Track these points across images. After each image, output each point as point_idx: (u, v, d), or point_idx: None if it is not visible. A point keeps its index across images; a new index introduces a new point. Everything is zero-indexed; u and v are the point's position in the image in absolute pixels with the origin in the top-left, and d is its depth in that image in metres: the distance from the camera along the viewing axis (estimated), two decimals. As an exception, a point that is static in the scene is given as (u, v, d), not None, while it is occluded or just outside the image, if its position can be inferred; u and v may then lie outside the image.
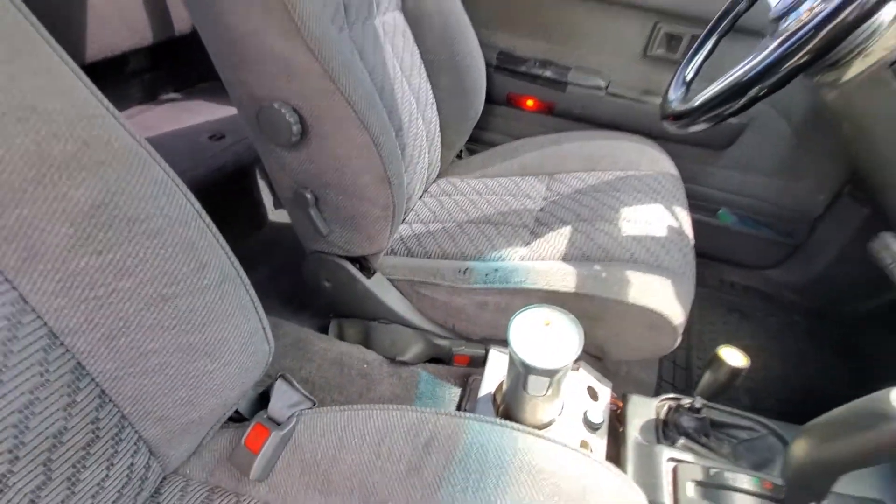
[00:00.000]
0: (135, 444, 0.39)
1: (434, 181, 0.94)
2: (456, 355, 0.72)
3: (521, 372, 0.49)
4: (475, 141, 1.12)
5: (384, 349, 0.74)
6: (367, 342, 0.77)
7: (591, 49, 1.01)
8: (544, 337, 0.48)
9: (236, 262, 0.42)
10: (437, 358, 0.74)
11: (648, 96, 0.99)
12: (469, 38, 0.90)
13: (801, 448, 0.43)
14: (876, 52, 0.52)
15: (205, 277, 0.39)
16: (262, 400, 0.55)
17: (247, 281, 0.43)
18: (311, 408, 0.51)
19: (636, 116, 1.01)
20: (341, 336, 0.80)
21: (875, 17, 0.50)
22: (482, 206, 0.84)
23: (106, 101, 0.34)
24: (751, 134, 0.99)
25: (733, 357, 0.51)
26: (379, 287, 0.73)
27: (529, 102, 1.07)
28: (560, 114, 1.07)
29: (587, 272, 0.65)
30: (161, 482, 0.45)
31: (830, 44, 0.47)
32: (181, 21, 1.06)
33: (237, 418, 0.52)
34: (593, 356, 0.71)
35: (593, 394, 0.61)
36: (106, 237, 0.33)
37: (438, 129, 0.88)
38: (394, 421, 0.47)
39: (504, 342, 0.60)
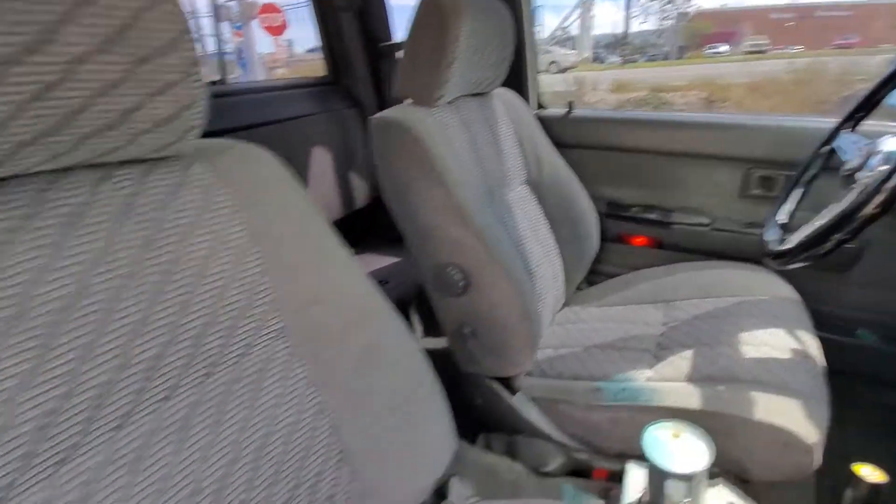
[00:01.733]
0: None
1: (560, 310, 1.10)
2: (595, 469, 0.80)
3: (659, 480, 0.57)
4: (594, 273, 1.28)
5: (529, 460, 0.85)
6: (512, 454, 0.88)
7: (691, 193, 1.17)
8: (676, 447, 0.58)
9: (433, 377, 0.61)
10: (577, 471, 0.82)
11: (752, 228, 1.09)
12: (580, 196, 1.13)
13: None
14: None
15: (420, 388, 0.58)
16: (438, 496, 0.69)
17: (438, 390, 0.61)
18: (480, 502, 0.64)
19: (742, 246, 1.10)
20: (488, 448, 0.93)
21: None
22: (604, 332, 0.97)
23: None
24: (873, 254, 1.02)
25: (870, 474, 0.54)
26: (522, 404, 0.87)
27: (639, 239, 1.23)
28: (669, 247, 1.21)
29: (711, 392, 0.73)
30: None
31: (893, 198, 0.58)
32: (360, 199, 1.46)
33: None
34: (738, 478, 0.74)
35: (735, 510, 0.64)
36: (369, 360, 0.54)
37: (561, 269, 1.07)
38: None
39: (640, 457, 0.69)
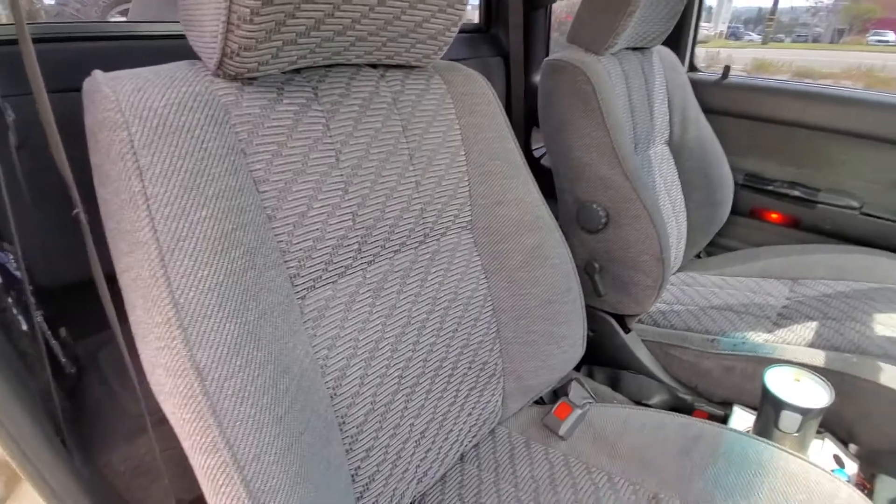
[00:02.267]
0: (501, 389, 0.67)
1: (674, 273, 1.14)
2: (696, 410, 0.87)
3: (775, 410, 0.64)
4: (714, 245, 1.28)
5: (630, 394, 0.93)
6: (614, 386, 0.97)
7: (842, 174, 1.12)
8: (795, 387, 0.63)
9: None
10: (677, 409, 0.89)
11: (906, 219, 1.04)
12: (722, 163, 1.13)
13: None
14: None
15: (569, 292, 0.68)
16: (555, 395, 0.80)
17: (581, 298, 0.71)
18: (596, 403, 0.74)
19: (893, 235, 1.05)
20: (591, 377, 1.02)
21: None
22: (722, 296, 1.00)
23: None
24: None
25: None
26: (633, 342, 0.95)
27: (774, 216, 1.21)
28: (806, 228, 1.18)
29: (836, 356, 0.76)
30: (495, 426, 0.71)
31: None
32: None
33: (539, 402, 0.78)
34: (841, 441, 0.77)
35: (839, 462, 0.69)
36: (535, 258, 0.65)
37: (685, 233, 1.10)
38: (668, 419, 0.67)
39: (748, 405, 0.75)
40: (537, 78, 0.97)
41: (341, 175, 0.50)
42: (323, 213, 0.48)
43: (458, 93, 0.61)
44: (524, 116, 1.23)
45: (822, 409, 0.61)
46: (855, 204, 1.10)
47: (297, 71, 0.49)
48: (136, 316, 0.37)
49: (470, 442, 0.65)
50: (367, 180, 0.52)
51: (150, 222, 0.35)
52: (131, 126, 0.35)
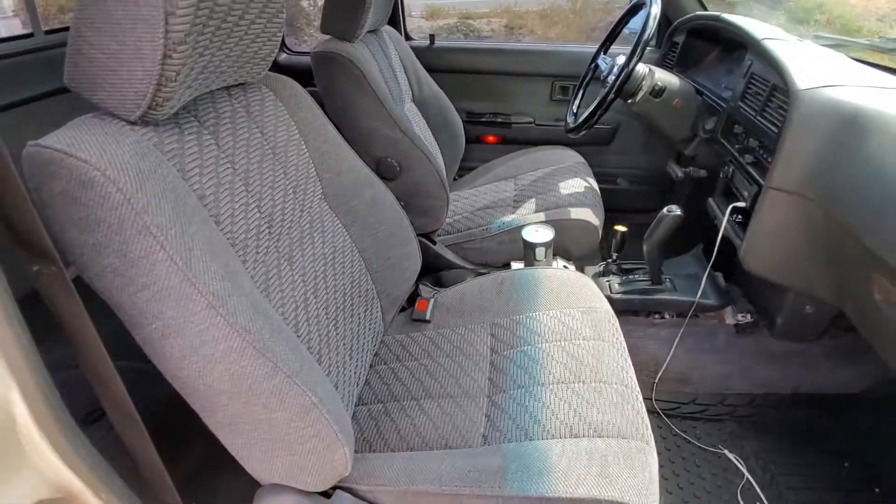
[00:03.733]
0: (379, 306, 0.93)
1: (446, 193, 1.54)
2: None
3: (532, 249, 1.08)
4: (461, 168, 1.75)
5: (450, 283, 1.31)
6: (438, 284, 1.33)
7: (519, 102, 1.69)
8: (536, 235, 1.09)
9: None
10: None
11: (560, 122, 1.67)
12: (450, 107, 1.55)
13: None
14: (643, 89, 1.20)
15: (403, 221, 0.96)
16: (410, 302, 1.11)
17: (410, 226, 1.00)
18: (438, 292, 1.08)
19: (555, 135, 1.68)
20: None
21: (638, 76, 1.18)
22: (480, 200, 1.45)
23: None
24: (621, 133, 1.69)
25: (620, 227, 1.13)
26: (441, 249, 1.31)
27: (490, 138, 1.73)
28: (510, 142, 1.73)
29: (550, 212, 1.27)
30: (384, 337, 0.97)
31: (623, 88, 1.14)
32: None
33: (402, 310, 1.07)
34: (565, 258, 1.31)
35: (566, 267, 1.21)
36: (375, 204, 0.91)
37: (442, 164, 1.50)
38: (481, 279, 1.04)
39: (517, 259, 1.20)
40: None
41: (241, 178, 0.64)
42: (241, 210, 0.63)
43: (283, 96, 0.78)
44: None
45: (551, 241, 1.08)
46: (531, 120, 1.68)
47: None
48: (164, 318, 0.48)
49: (372, 351, 0.89)
50: (257, 178, 0.67)
51: (161, 247, 0.47)
52: (117, 181, 0.45)
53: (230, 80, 0.66)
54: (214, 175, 0.60)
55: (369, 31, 1.28)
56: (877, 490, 0.96)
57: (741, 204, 1.01)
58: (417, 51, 1.57)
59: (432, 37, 1.64)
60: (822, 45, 1.15)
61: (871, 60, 1.09)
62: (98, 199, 0.45)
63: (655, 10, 1.09)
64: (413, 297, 1.08)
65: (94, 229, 0.46)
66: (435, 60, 1.64)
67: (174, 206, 0.49)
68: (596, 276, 1.30)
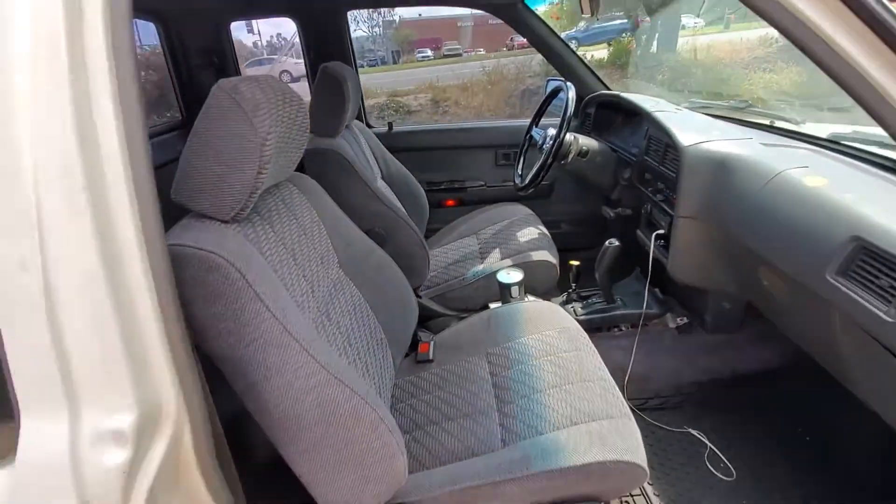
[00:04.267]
0: (389, 351, 1.09)
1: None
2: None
3: (507, 289, 1.29)
4: (429, 230, 1.97)
5: (440, 329, 1.49)
6: (427, 331, 1.50)
7: (470, 169, 1.98)
8: (508, 277, 1.31)
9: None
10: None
11: (506, 182, 1.96)
12: (413, 180, 1.80)
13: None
14: (572, 152, 1.51)
15: (400, 277, 1.16)
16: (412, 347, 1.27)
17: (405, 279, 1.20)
18: (436, 335, 1.25)
19: (505, 193, 1.97)
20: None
21: (567, 143, 1.49)
22: (451, 256, 1.67)
23: None
24: (557, 187, 2.01)
25: (574, 262, 1.38)
26: (426, 301, 1.50)
27: (450, 202, 1.99)
28: (466, 203, 2.00)
29: (515, 257, 1.50)
30: (396, 381, 1.14)
31: (557, 154, 1.44)
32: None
33: (406, 356, 1.23)
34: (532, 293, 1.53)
35: (536, 302, 1.43)
36: (379, 266, 1.10)
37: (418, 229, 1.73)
38: (471, 319, 1.24)
39: (493, 301, 1.42)
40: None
41: (290, 254, 0.82)
42: (296, 279, 0.80)
43: (304, 189, 0.98)
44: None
45: (522, 280, 1.30)
46: (482, 183, 1.97)
47: None
48: (267, 363, 0.64)
49: (391, 390, 1.05)
50: (300, 253, 0.86)
51: (267, 308, 0.64)
52: (235, 263, 0.62)
53: (274, 181, 0.85)
54: (276, 254, 0.77)
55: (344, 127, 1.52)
56: (808, 439, 1.21)
57: (661, 231, 1.30)
58: (380, 136, 1.83)
59: (390, 124, 1.92)
60: (695, 108, 1.53)
61: (732, 117, 1.47)
62: (221, 279, 0.61)
63: (572, 94, 1.42)
64: (414, 343, 1.24)
65: (214, 301, 0.62)
66: (395, 142, 1.91)
67: (269, 279, 0.66)
68: (562, 305, 1.53)
